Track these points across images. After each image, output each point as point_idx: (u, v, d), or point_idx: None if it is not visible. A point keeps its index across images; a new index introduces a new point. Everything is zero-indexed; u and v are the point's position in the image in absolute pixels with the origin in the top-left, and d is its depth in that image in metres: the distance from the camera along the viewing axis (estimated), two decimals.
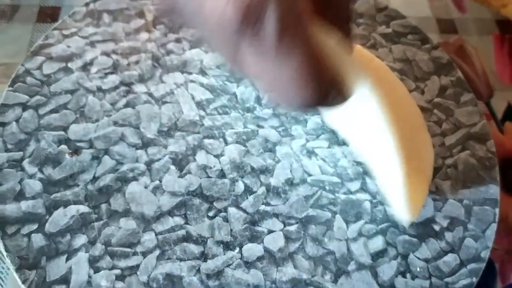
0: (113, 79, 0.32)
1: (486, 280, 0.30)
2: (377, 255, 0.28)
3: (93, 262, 0.26)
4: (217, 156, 0.30)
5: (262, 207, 0.28)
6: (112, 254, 0.26)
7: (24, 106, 0.30)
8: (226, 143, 0.30)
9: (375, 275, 0.27)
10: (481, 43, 0.39)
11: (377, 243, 0.28)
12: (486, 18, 0.41)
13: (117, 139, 0.30)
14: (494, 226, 0.29)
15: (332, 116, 0.30)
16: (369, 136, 0.27)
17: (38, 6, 0.38)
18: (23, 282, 0.25)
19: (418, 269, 0.27)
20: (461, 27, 0.40)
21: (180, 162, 0.29)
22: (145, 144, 0.30)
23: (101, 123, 0.30)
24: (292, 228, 0.28)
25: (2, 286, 0.27)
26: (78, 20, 0.34)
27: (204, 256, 0.27)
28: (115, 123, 0.30)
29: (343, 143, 0.31)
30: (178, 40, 0.34)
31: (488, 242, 0.28)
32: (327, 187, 0.29)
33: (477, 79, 0.37)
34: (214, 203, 0.28)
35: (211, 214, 0.28)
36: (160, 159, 0.29)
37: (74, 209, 0.27)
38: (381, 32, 0.36)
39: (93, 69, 0.32)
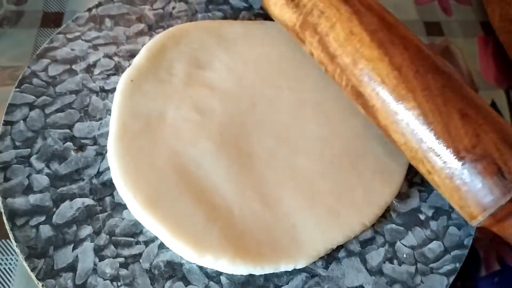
0: (115, 80, 0.33)
1: (470, 268, 0.31)
2: (366, 243, 0.29)
3: (98, 251, 0.28)
4: None
5: None
6: (116, 243, 0.28)
7: (31, 106, 0.32)
8: None
9: (364, 261, 0.29)
10: (466, 44, 0.41)
11: (366, 231, 0.30)
12: (471, 20, 0.43)
13: None
14: None
15: None
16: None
17: (42, 12, 0.39)
18: (32, 270, 0.27)
19: (404, 255, 0.29)
20: (447, 29, 0.42)
21: None
22: None
23: (104, 121, 0.32)
24: None
25: (11, 276, 0.29)
26: (81, 25, 0.36)
27: None
28: None
29: None
30: None
31: (471, 230, 0.30)
32: None
33: (462, 79, 0.39)
34: None
35: None
36: None
37: (79, 202, 0.29)
38: None
39: (96, 71, 0.34)
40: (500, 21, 0.39)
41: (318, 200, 0.29)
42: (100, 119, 0.32)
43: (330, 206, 0.29)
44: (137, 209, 0.28)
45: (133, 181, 0.29)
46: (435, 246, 0.29)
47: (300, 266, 0.27)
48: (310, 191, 0.30)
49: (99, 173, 0.30)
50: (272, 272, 0.27)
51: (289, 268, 0.27)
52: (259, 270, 0.27)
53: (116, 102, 0.31)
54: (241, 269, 0.27)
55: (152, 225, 0.28)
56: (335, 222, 0.29)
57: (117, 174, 0.29)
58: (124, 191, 0.28)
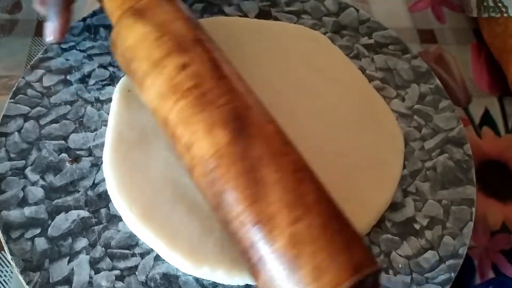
0: (110, 90, 0.33)
1: (465, 276, 0.32)
2: None
3: (94, 264, 0.28)
4: None
5: None
6: (112, 256, 0.28)
7: (26, 117, 0.32)
8: None
9: None
10: (459, 52, 0.41)
11: None
12: (464, 27, 0.43)
13: None
14: (471, 225, 0.31)
15: None
16: None
17: (36, 20, 0.39)
18: (28, 283, 0.27)
19: (400, 265, 0.29)
20: (441, 37, 0.42)
21: None
22: None
23: (100, 132, 0.32)
24: None
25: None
26: (76, 35, 0.36)
27: None
28: None
29: None
30: None
31: (466, 239, 0.30)
32: None
33: (455, 86, 0.39)
34: None
35: None
36: None
37: (75, 214, 0.29)
38: (364, 43, 0.38)
39: (91, 81, 0.34)
40: (489, 36, 0.40)
41: None
42: (95, 129, 0.32)
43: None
44: (132, 221, 0.28)
45: (128, 192, 0.29)
46: (430, 255, 0.30)
47: None
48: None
49: (94, 185, 0.30)
50: None
51: None
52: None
53: (113, 112, 0.31)
54: (237, 279, 0.27)
55: (148, 237, 0.28)
56: None
57: (112, 186, 0.29)
58: (119, 203, 0.29)
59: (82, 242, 0.28)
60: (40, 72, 0.34)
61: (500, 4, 0.37)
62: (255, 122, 0.25)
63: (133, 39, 0.28)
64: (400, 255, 0.29)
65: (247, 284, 0.27)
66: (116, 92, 0.32)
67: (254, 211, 0.23)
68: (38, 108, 0.32)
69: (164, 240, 0.27)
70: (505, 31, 0.38)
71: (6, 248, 0.27)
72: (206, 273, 0.27)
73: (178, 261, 0.27)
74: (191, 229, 0.28)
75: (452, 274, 0.29)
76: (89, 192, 0.30)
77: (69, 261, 0.27)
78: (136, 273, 0.28)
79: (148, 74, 0.27)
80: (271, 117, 0.27)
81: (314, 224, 0.22)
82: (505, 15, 0.37)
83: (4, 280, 0.29)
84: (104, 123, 0.32)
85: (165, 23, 0.28)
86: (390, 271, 0.29)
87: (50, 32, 0.32)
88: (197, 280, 0.28)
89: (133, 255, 0.28)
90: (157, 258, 0.28)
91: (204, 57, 0.27)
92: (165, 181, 0.29)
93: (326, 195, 0.24)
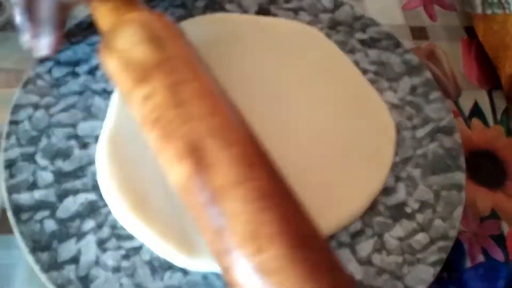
0: None
1: (456, 260, 0.33)
2: (356, 235, 0.31)
3: (101, 244, 0.29)
4: None
5: None
6: (118, 236, 0.29)
7: (36, 106, 0.33)
8: None
9: (354, 252, 0.30)
10: (450, 48, 0.43)
11: (356, 224, 0.31)
12: (455, 25, 0.45)
13: None
14: (460, 209, 0.32)
15: None
16: None
17: None
18: (37, 262, 0.28)
19: (392, 246, 0.30)
20: (432, 34, 0.44)
21: None
22: None
23: None
24: None
25: (14, 270, 0.30)
26: (84, 29, 0.37)
27: None
28: None
29: None
30: None
31: (455, 222, 0.32)
32: None
33: (446, 80, 0.41)
34: None
35: None
36: None
37: (82, 197, 0.30)
38: (358, 38, 0.39)
39: (99, 73, 0.35)
40: (484, 35, 0.41)
41: (306, 194, 0.31)
42: (103, 118, 0.33)
43: (319, 199, 0.31)
44: (122, 213, 0.29)
45: (119, 184, 0.30)
46: (421, 237, 0.31)
47: None
48: (298, 185, 0.31)
49: None
50: None
51: None
52: None
53: (113, 104, 0.33)
54: None
55: (138, 229, 0.28)
56: (323, 214, 0.30)
57: (103, 177, 0.30)
58: (109, 194, 0.29)
59: (89, 224, 0.29)
60: (49, 64, 0.35)
61: (503, 1, 0.39)
62: (214, 150, 0.24)
63: (110, 69, 0.29)
64: (392, 237, 0.31)
65: None
66: None
67: (219, 244, 0.23)
68: (48, 98, 0.34)
69: (154, 232, 0.28)
70: (503, 28, 0.39)
71: (16, 229, 0.29)
72: (202, 265, 0.28)
73: (171, 254, 0.28)
74: (184, 221, 0.29)
75: (443, 255, 0.30)
76: (97, 177, 0.31)
77: (76, 242, 0.29)
78: (141, 252, 0.29)
79: (127, 103, 0.29)
80: (237, 137, 0.25)
81: (276, 255, 0.22)
82: (507, 11, 0.39)
83: (12, 262, 0.30)
84: None
85: (126, 52, 0.28)
86: (383, 252, 0.30)
87: (45, 47, 0.32)
88: None
89: None
90: None
91: (165, 82, 0.26)
92: (159, 174, 0.30)
93: (292, 221, 0.23)
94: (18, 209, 0.29)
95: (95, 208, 0.30)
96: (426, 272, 0.30)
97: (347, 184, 0.32)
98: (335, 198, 0.31)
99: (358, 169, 0.32)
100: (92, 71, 0.35)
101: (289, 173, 0.31)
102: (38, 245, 0.28)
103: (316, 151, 0.33)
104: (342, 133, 0.34)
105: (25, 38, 0.32)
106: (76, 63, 0.35)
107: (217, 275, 0.28)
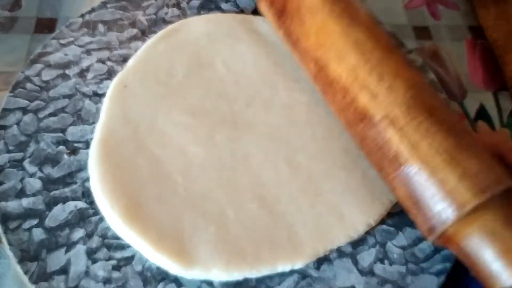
0: (108, 85, 0.34)
1: (461, 268, 0.32)
2: (357, 244, 0.29)
3: (91, 254, 0.28)
4: None
5: None
6: (109, 246, 0.28)
7: (24, 110, 0.32)
8: None
9: (355, 262, 0.29)
10: (454, 48, 0.42)
11: None
12: (458, 24, 0.43)
13: None
14: None
15: None
16: None
17: (35, 17, 0.39)
18: (25, 273, 0.27)
19: (395, 255, 0.29)
20: (436, 34, 0.42)
21: None
22: None
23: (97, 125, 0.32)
24: None
25: (3, 279, 0.29)
26: (75, 30, 0.36)
27: None
28: None
29: None
30: None
31: None
32: None
33: (451, 82, 0.40)
34: None
35: None
36: None
37: (72, 205, 0.29)
38: None
39: (89, 75, 0.34)
40: (496, 19, 0.40)
41: (320, 200, 0.29)
42: (93, 123, 0.32)
43: (333, 206, 0.29)
44: (115, 220, 0.28)
45: (111, 190, 0.28)
46: (425, 246, 0.30)
47: (297, 266, 0.28)
48: (311, 190, 0.30)
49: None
50: (268, 273, 0.27)
51: (287, 268, 0.28)
52: (255, 273, 0.27)
53: (105, 107, 0.32)
54: (236, 275, 0.27)
55: (132, 237, 0.27)
56: (338, 222, 0.29)
57: (95, 182, 0.29)
58: (101, 200, 0.28)
59: (79, 233, 0.28)
60: (39, 66, 0.34)
61: None
62: None
63: None
64: (395, 246, 0.30)
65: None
66: (111, 87, 0.33)
67: None
68: (37, 102, 0.33)
69: (148, 240, 0.27)
70: None
71: (4, 239, 0.28)
72: (198, 274, 0.27)
73: (165, 262, 0.27)
74: (180, 228, 0.28)
75: (447, 264, 0.29)
76: (86, 184, 0.30)
77: (66, 251, 0.28)
78: (133, 263, 0.28)
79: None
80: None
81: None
82: None
83: (2, 272, 0.29)
84: None
85: None
86: (386, 261, 0.29)
87: None
88: None
89: (130, 245, 0.28)
90: None
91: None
92: (153, 179, 0.29)
93: None
94: (6, 217, 0.28)
95: (85, 217, 0.29)
96: (431, 282, 0.28)
97: (362, 190, 0.30)
98: (350, 204, 0.30)
99: (374, 175, 0.31)
100: (83, 73, 0.34)
101: (301, 179, 0.30)
102: (27, 255, 0.27)
103: (329, 157, 0.31)
104: (347, 139, 0.32)
105: None
106: (67, 65, 0.34)
107: (211, 284, 0.27)
